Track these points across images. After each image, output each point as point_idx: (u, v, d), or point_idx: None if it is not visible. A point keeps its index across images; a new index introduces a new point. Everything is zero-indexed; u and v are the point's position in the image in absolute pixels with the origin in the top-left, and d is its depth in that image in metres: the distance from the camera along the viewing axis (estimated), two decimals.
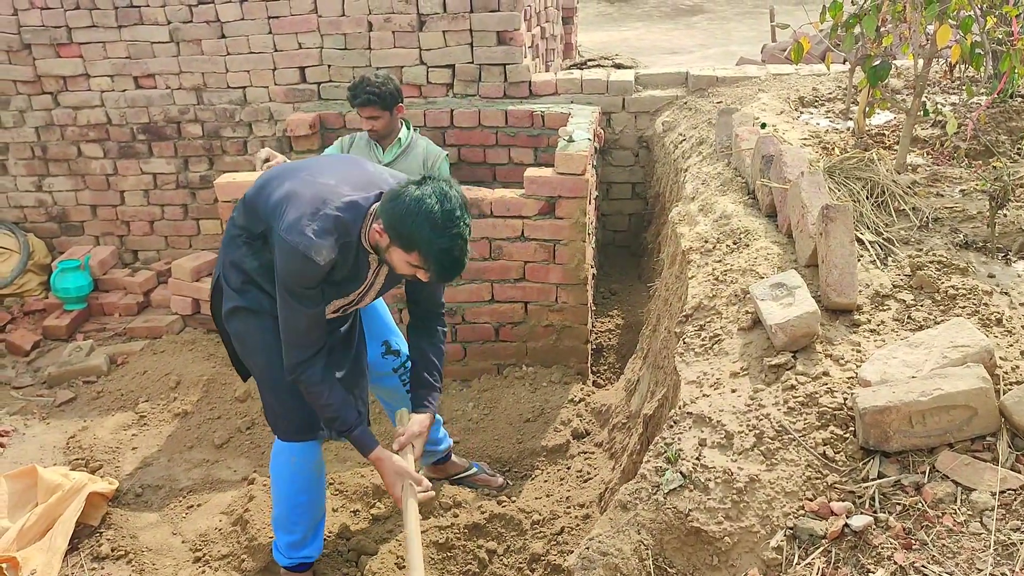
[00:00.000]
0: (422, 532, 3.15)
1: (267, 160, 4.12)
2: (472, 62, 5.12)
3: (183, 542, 3.40)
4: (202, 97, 5.47)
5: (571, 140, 4.10)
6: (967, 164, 3.53)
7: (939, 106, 3.85)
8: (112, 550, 3.36)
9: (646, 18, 18.79)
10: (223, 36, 5.30)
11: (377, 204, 2.51)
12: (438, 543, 3.14)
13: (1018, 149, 3.62)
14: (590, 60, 8.39)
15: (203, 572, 3.21)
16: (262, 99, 5.41)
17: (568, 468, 3.58)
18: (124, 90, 5.48)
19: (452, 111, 5.11)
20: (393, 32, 5.12)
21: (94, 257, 5.58)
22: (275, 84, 5.36)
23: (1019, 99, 4.13)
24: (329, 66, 5.28)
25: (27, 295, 5.55)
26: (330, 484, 3.55)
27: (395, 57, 5.17)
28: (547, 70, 6.19)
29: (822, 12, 3.30)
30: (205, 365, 4.61)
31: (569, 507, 3.26)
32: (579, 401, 3.96)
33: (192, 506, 3.63)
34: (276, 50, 5.28)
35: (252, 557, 3.18)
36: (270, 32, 5.25)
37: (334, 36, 5.20)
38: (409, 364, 3.03)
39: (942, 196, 3.18)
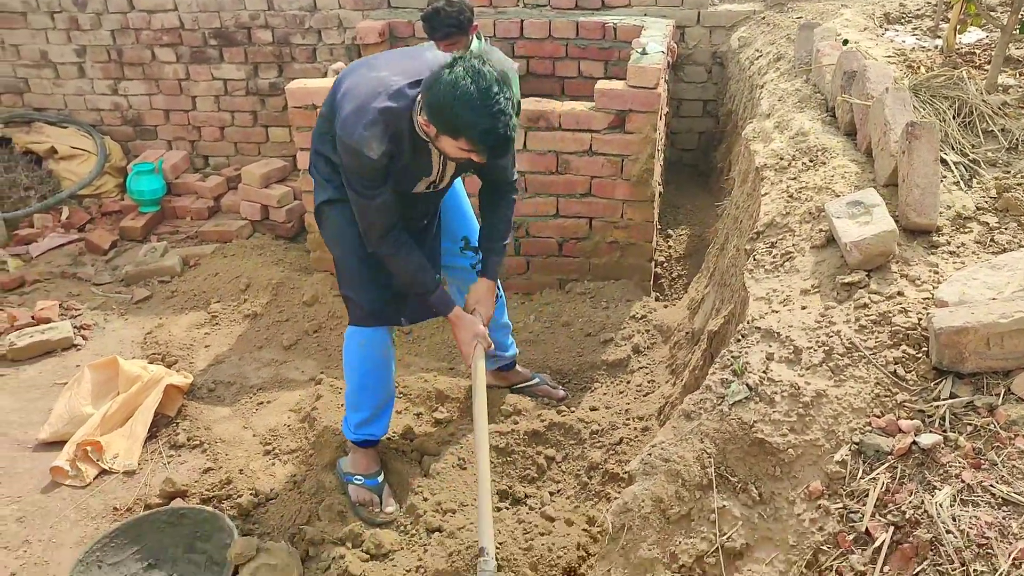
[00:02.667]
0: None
1: (338, 72, 4.15)
2: None
3: (254, 436, 3.55)
4: (272, 3, 5.47)
5: (644, 53, 4.01)
6: None
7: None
8: (188, 439, 3.52)
9: None
10: None
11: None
12: (498, 448, 3.22)
13: None
14: None
15: (273, 464, 3.35)
16: (331, 6, 5.39)
17: (628, 382, 3.61)
18: None
19: (522, 21, 5.02)
20: None
21: (167, 161, 5.70)
22: None
23: None
24: None
25: (104, 196, 5.72)
26: (395, 387, 3.65)
27: None
28: None
29: None
30: (274, 270, 4.72)
31: (628, 419, 3.30)
32: (641, 318, 3.96)
33: (262, 403, 3.77)
34: None
35: (319, 453, 3.30)
36: None
37: None
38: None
39: None
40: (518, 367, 3.62)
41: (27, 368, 4.05)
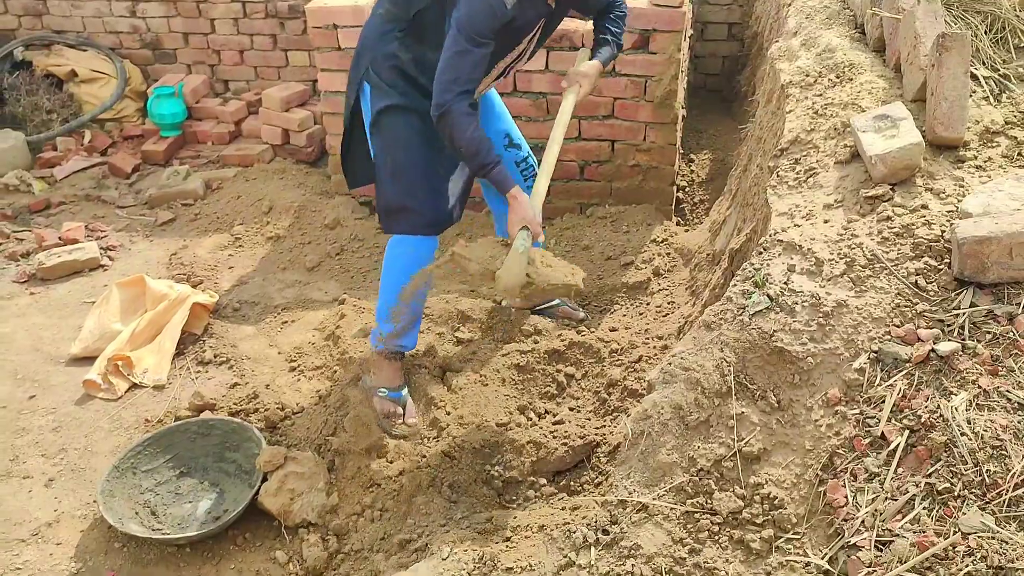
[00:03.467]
0: (504, 355, 3.30)
1: None
2: None
3: (279, 353, 3.62)
4: None
5: None
6: None
7: None
8: (215, 356, 3.60)
9: None
10: None
11: None
12: (519, 365, 3.27)
13: None
14: None
15: (298, 380, 3.42)
16: None
17: (648, 304, 3.64)
18: None
19: None
20: None
21: (187, 85, 5.68)
22: None
23: None
24: None
25: (125, 120, 5.73)
26: None
27: None
28: None
29: None
30: (296, 193, 4.74)
31: (648, 339, 3.33)
32: (662, 241, 3.97)
33: (287, 322, 3.83)
34: None
35: (344, 368, 3.37)
36: None
37: None
38: (532, 161, 3.23)
39: None
40: None
41: (56, 287, 4.13)
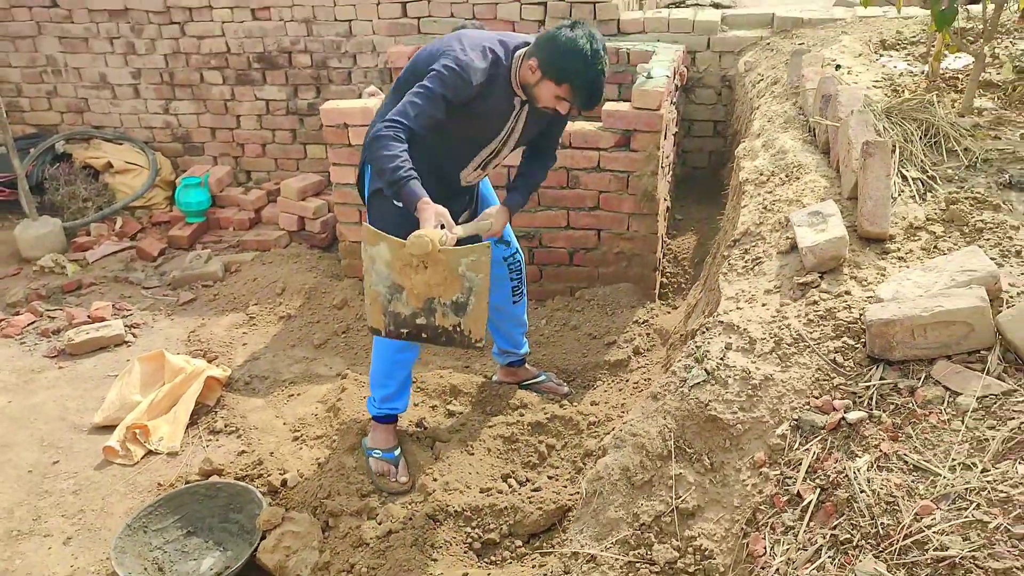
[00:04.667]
0: (491, 427, 3.56)
1: (372, 95, 4.59)
2: (563, 0, 5.35)
3: (284, 424, 3.90)
4: (312, 29, 5.88)
5: (649, 76, 4.33)
6: None
7: (995, 52, 3.90)
8: (225, 426, 3.89)
9: None
10: None
11: (524, 48, 2.94)
12: (504, 436, 3.53)
13: None
14: None
15: (300, 448, 3.69)
16: (366, 32, 5.79)
17: (627, 380, 3.90)
18: (242, 21, 5.94)
19: None
20: None
21: (212, 175, 6.13)
22: (379, 18, 5.72)
23: None
24: (429, 1, 5.59)
25: (154, 208, 6.17)
26: (413, 382, 3.98)
27: None
28: (641, 8, 6.35)
29: None
30: (308, 275, 5.09)
31: (623, 412, 3.59)
32: (643, 322, 4.26)
33: (293, 395, 4.13)
34: None
35: (342, 438, 3.64)
36: None
37: None
38: (520, 258, 3.52)
39: (999, 139, 3.30)
40: (527, 365, 3.93)
41: (84, 361, 4.47)
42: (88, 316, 4.80)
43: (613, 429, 3.48)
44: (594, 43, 2.79)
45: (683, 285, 4.78)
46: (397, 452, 3.40)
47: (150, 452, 3.75)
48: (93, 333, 4.58)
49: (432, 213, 2.72)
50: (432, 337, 2.91)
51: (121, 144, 6.34)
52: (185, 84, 6.20)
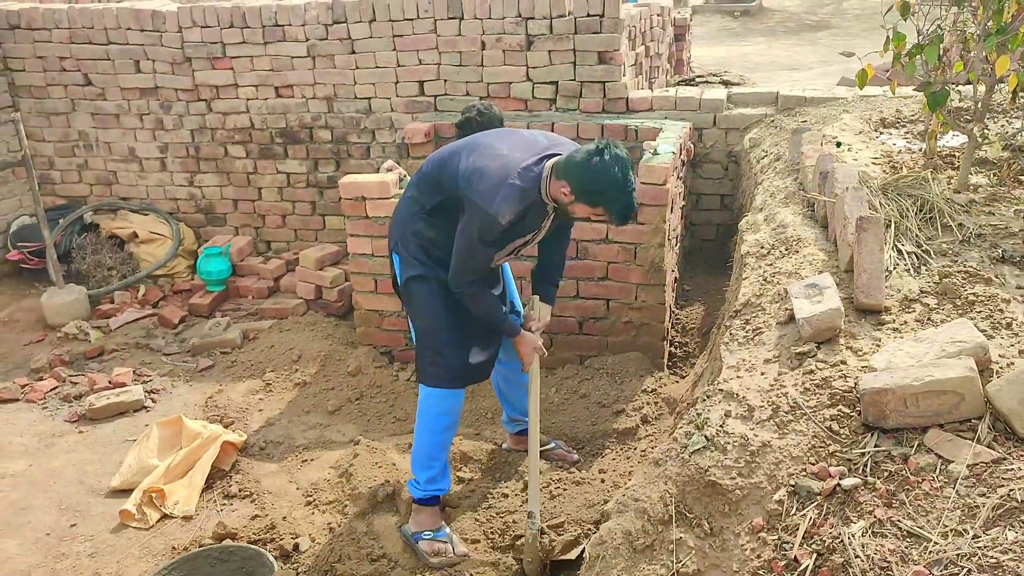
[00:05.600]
0: (501, 492, 3.62)
1: (389, 169, 4.80)
2: (574, 79, 5.56)
3: (297, 488, 3.97)
4: (332, 106, 6.12)
5: (656, 153, 4.49)
6: None
7: (987, 131, 4.04)
8: (239, 490, 3.96)
9: (769, 33, 18.75)
10: (353, 52, 5.93)
11: (551, 160, 3.11)
12: (519, 495, 3.60)
13: None
14: (699, 76, 8.69)
15: (313, 513, 3.75)
16: (385, 109, 6.02)
17: (635, 448, 3.96)
18: (266, 98, 6.20)
19: (553, 124, 5.55)
20: (503, 51, 5.62)
21: (234, 245, 6.31)
22: (397, 96, 5.96)
23: None
24: (445, 80, 5.83)
25: (176, 276, 6.34)
26: None
27: (504, 74, 5.67)
28: (651, 86, 6.57)
29: (886, 42, 3.58)
30: (324, 343, 5.21)
31: (630, 480, 3.64)
32: (651, 391, 4.33)
33: (306, 460, 4.20)
34: (399, 65, 5.87)
35: (354, 503, 3.70)
36: (394, 49, 5.84)
37: (450, 54, 5.75)
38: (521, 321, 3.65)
39: (993, 215, 3.41)
40: None
41: (103, 426, 4.58)
42: (109, 382, 4.92)
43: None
44: (624, 168, 2.96)
45: (691, 354, 4.86)
46: (447, 530, 3.44)
47: (165, 516, 3.82)
48: (113, 398, 4.69)
49: (532, 350, 3.36)
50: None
51: (146, 215, 6.55)
52: (210, 158, 6.44)
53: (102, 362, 5.32)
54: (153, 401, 4.81)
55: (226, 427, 4.40)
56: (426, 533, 3.42)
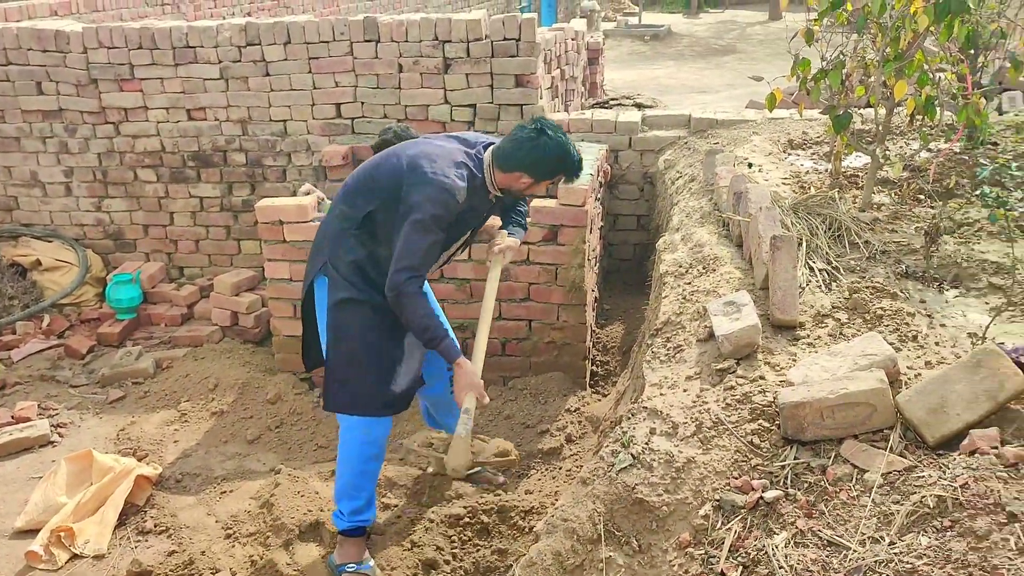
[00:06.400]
0: (427, 519, 3.59)
1: (307, 192, 4.74)
2: (492, 102, 5.60)
3: (216, 521, 3.84)
4: (247, 129, 6.01)
5: None
6: (928, 204, 3.91)
7: (895, 153, 4.24)
8: (155, 526, 3.81)
9: (678, 57, 19.26)
10: (267, 75, 5.84)
11: (487, 148, 3.26)
12: (439, 528, 3.56)
13: (977, 191, 3.99)
14: (613, 99, 8.85)
15: (233, 546, 3.64)
16: (301, 132, 5.94)
17: (560, 468, 3.98)
18: (178, 121, 6.04)
19: None
20: (421, 74, 5.62)
21: (144, 272, 6.11)
22: (313, 119, 5.89)
23: (989, 146, 4.51)
24: (362, 103, 5.79)
25: (84, 305, 6.09)
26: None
27: (422, 96, 5.67)
28: (567, 109, 6.66)
29: (793, 67, 3.72)
30: (241, 371, 5.08)
31: (555, 499, 3.65)
32: (575, 410, 4.36)
33: (225, 491, 4.08)
34: (315, 88, 5.81)
35: (276, 535, 3.61)
36: (310, 72, 5.78)
37: (367, 76, 5.72)
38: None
39: (896, 232, 3.57)
40: None
41: (6, 464, 4.35)
42: (12, 416, 4.68)
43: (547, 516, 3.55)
44: (560, 132, 3.24)
45: (612, 373, 4.92)
46: (372, 562, 3.38)
47: (76, 556, 3.65)
48: (16, 434, 4.47)
49: (468, 381, 3.21)
50: None
51: (50, 241, 6.29)
52: (118, 182, 6.23)
53: (4, 396, 5.06)
54: (60, 436, 4.60)
55: (140, 460, 4.23)
56: (350, 565, 3.35)
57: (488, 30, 5.51)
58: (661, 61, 18.53)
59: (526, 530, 3.50)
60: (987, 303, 2.99)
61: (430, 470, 3.86)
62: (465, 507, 3.67)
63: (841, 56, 3.70)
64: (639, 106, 8.47)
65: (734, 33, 22.43)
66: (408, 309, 3.08)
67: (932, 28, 3.47)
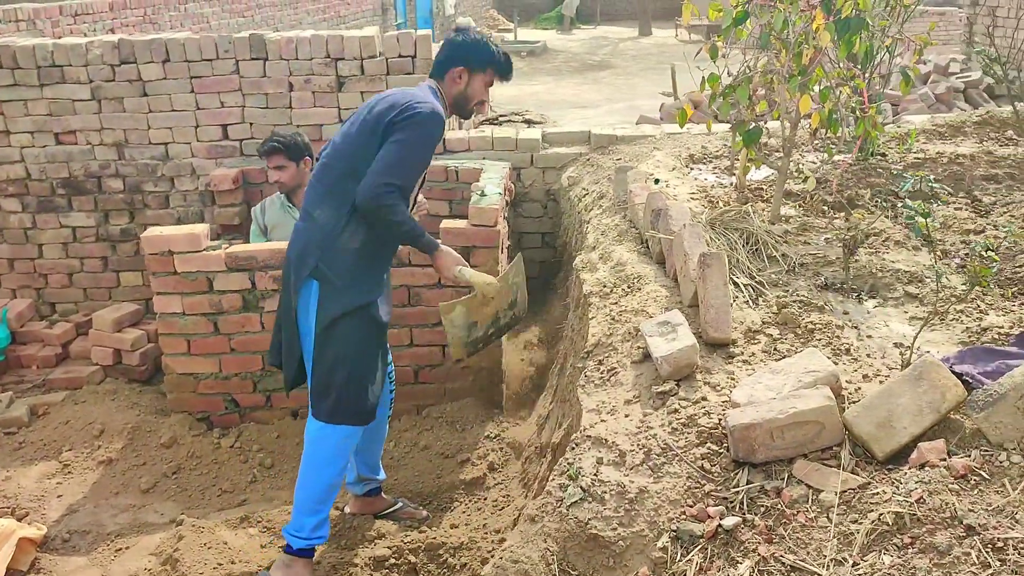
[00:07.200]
0: (348, 563, 3.38)
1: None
2: None
3: None
4: (123, 152, 5.62)
5: (483, 194, 4.44)
6: (832, 215, 4.00)
7: (800, 165, 4.34)
8: None
9: (556, 73, 19.55)
10: (145, 95, 5.49)
11: (427, 84, 3.32)
12: (371, 564, 3.36)
13: (875, 202, 4.12)
14: (502, 116, 8.82)
15: None
16: (184, 155, 5.60)
17: (485, 499, 3.84)
18: (44, 146, 5.60)
19: None
20: (313, 92, 5.41)
21: (11, 310, 5.61)
22: (197, 141, 5.56)
23: (878, 157, 4.68)
24: (251, 124, 5.52)
25: None
26: (259, 522, 3.74)
27: (315, 115, 5.45)
28: (460, 126, 6.55)
29: (702, 82, 3.74)
30: (129, 414, 4.70)
31: (486, 533, 3.51)
32: (495, 437, 4.23)
33: (120, 549, 3.73)
34: (199, 108, 5.50)
35: None
36: (192, 91, 5.47)
37: (256, 96, 5.46)
38: (392, 373, 3.65)
39: (808, 244, 3.62)
40: (382, 494, 3.78)
41: None
42: None
43: (480, 552, 3.40)
44: (479, 32, 3.49)
45: (525, 395, 4.82)
46: None
47: None
48: None
49: (451, 260, 3.28)
50: (500, 334, 3.63)
51: None
52: None
53: None
54: None
55: (19, 520, 3.83)
56: None
57: (382, 47, 5.35)
58: (539, 77, 18.74)
59: (457, 568, 3.34)
60: (906, 312, 3.05)
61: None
62: (389, 547, 3.48)
63: (747, 71, 3.73)
64: (529, 122, 8.47)
65: (607, 49, 22.99)
66: (387, 217, 3.05)
67: (831, 44, 3.55)
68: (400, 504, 3.79)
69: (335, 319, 3.14)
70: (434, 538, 3.51)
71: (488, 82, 3.35)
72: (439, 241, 3.31)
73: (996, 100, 7.67)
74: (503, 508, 3.72)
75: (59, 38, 6.11)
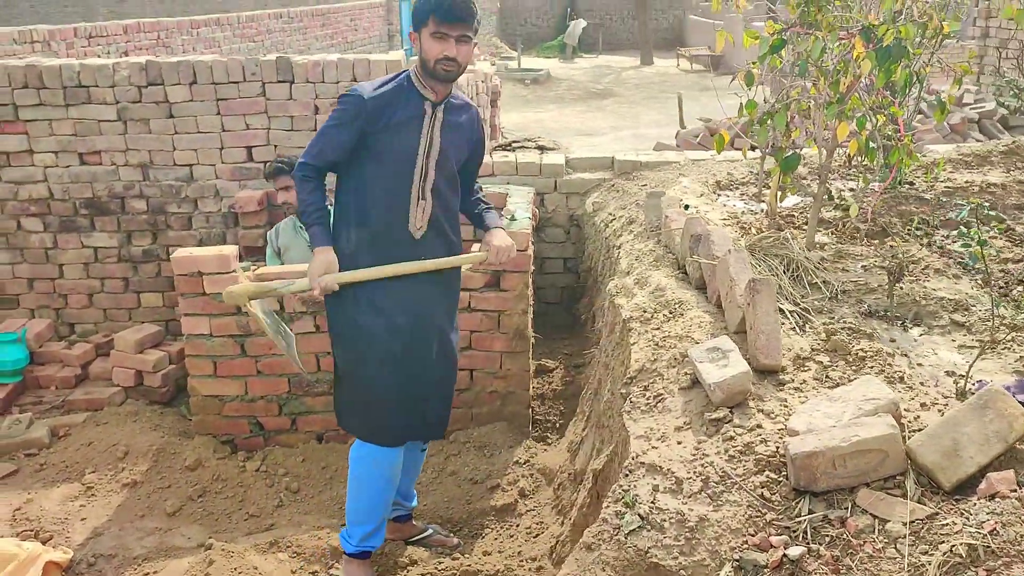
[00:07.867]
0: None
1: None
2: None
3: None
4: (148, 173, 5.62)
5: (513, 219, 4.43)
6: (866, 243, 3.99)
7: (841, 192, 4.34)
8: None
9: (559, 100, 19.64)
10: (171, 116, 5.50)
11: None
12: None
13: (908, 230, 4.11)
14: (515, 141, 8.83)
15: None
16: (208, 176, 5.60)
17: (517, 525, 3.79)
18: (68, 166, 5.59)
19: None
20: None
21: (30, 330, 5.58)
22: (222, 162, 5.56)
23: (907, 186, 4.68)
24: (275, 146, 5.52)
25: None
26: (288, 547, 3.68)
27: None
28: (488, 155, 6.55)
29: (739, 108, 3.74)
30: (153, 435, 4.66)
31: (521, 561, 3.46)
32: (524, 462, 4.19)
33: (148, 574, 3.67)
34: (224, 130, 5.50)
35: None
36: (218, 113, 5.47)
37: (281, 118, 5.47)
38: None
39: (847, 271, 3.61)
40: (413, 520, 3.74)
41: None
42: None
43: None
44: None
45: (553, 420, 4.78)
46: None
47: None
48: None
49: (322, 269, 3.08)
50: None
51: None
52: None
53: None
54: None
55: (44, 543, 3.77)
56: None
57: None
58: (543, 104, 18.83)
59: None
60: (953, 340, 3.03)
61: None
62: (423, 574, 3.42)
63: (785, 98, 3.74)
64: (541, 148, 8.48)
65: (610, 77, 23.12)
66: (297, 191, 3.17)
67: (872, 73, 3.56)
68: (431, 531, 3.74)
69: (341, 327, 3.25)
70: (468, 565, 3.46)
71: (434, 32, 3.01)
72: (327, 241, 3.14)
73: (1011, 131, 7.69)
74: (537, 535, 3.67)
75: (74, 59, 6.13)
